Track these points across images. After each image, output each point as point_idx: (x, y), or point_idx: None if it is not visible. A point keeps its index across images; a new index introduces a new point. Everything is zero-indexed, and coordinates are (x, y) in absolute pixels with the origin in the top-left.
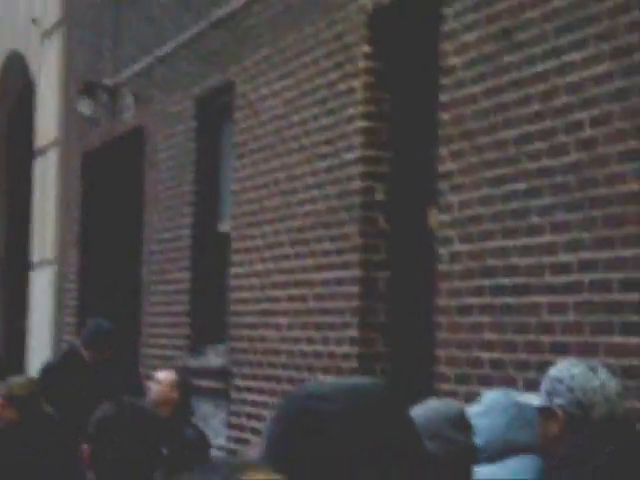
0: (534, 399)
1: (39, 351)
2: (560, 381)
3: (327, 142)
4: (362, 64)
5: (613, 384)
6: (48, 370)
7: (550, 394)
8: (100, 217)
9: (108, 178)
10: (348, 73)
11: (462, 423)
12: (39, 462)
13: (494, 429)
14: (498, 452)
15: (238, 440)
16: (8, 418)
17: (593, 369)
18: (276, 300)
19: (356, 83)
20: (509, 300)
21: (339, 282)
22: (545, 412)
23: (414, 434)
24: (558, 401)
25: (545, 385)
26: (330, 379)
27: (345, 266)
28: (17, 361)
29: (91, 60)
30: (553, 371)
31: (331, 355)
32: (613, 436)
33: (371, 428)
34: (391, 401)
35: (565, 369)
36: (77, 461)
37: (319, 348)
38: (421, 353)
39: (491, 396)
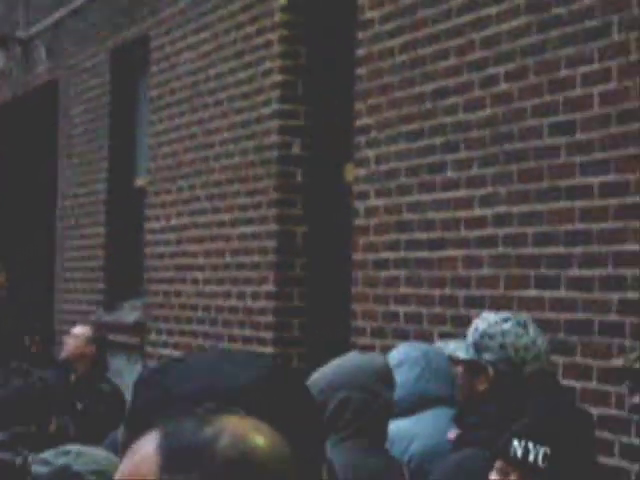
0: (455, 347)
1: None
2: (491, 337)
3: (244, 96)
4: (278, 17)
5: (542, 340)
6: None
7: (479, 349)
8: (13, 171)
9: (21, 132)
10: (265, 26)
11: (387, 377)
12: None
13: (405, 384)
14: (411, 406)
15: None
16: None
17: (523, 324)
18: (192, 255)
19: (273, 36)
20: (424, 254)
21: (256, 236)
22: (472, 366)
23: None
24: (488, 357)
25: (473, 338)
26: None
27: (262, 220)
28: None
29: (4, 12)
30: (482, 325)
31: (248, 310)
32: (540, 394)
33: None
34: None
35: (495, 324)
36: None
37: (235, 303)
38: (338, 307)
39: (399, 351)
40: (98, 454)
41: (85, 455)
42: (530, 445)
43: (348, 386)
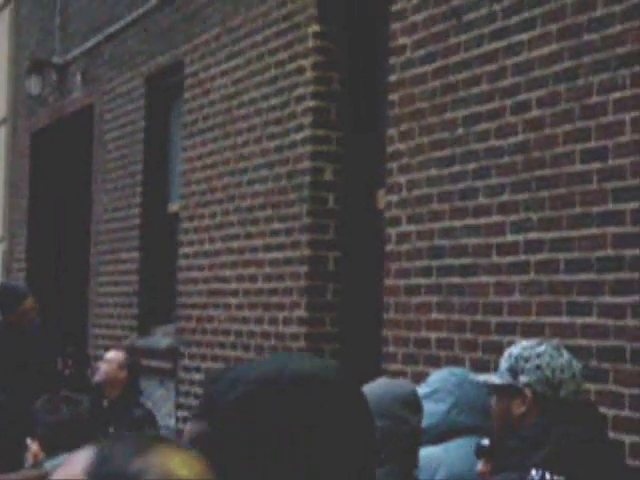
0: (489, 377)
1: None
2: (526, 359)
3: (276, 122)
4: (312, 43)
5: (576, 362)
6: None
7: (515, 372)
8: (49, 196)
9: (57, 157)
10: (298, 52)
11: (414, 403)
12: None
13: (437, 412)
14: (441, 434)
15: (186, 420)
16: None
17: (557, 347)
18: (225, 280)
19: (306, 62)
20: (456, 280)
21: (288, 262)
22: (508, 391)
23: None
24: (524, 379)
25: (508, 363)
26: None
27: (294, 246)
28: None
29: (40, 38)
30: (516, 349)
31: (279, 335)
32: (581, 416)
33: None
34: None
35: (529, 347)
36: (16, 440)
37: (267, 328)
38: (369, 333)
39: (436, 377)
40: None
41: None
42: (547, 475)
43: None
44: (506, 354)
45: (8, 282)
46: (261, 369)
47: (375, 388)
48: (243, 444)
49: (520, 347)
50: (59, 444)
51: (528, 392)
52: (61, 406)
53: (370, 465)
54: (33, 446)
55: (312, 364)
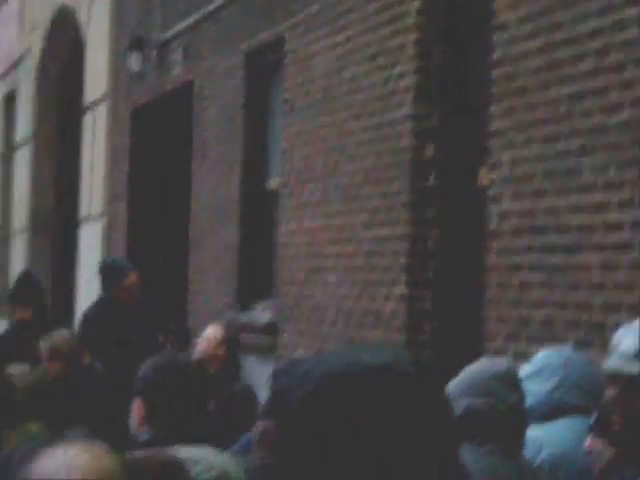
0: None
1: (87, 305)
2: None
3: (377, 98)
4: (413, 20)
5: None
6: (86, 321)
7: None
8: (148, 172)
9: (157, 134)
10: (399, 29)
11: (511, 381)
12: (86, 415)
13: (542, 392)
14: (546, 414)
15: None
16: (53, 372)
17: None
18: (324, 257)
19: (407, 39)
20: (559, 259)
21: (388, 239)
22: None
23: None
24: None
25: None
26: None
27: (394, 223)
28: (66, 315)
29: (141, 15)
30: None
31: (379, 312)
32: None
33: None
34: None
35: None
36: (122, 414)
37: (367, 305)
38: (470, 311)
39: (542, 356)
40: (210, 456)
41: (200, 462)
42: None
43: (470, 393)
44: (631, 339)
45: (110, 258)
46: (329, 364)
47: (473, 367)
48: (311, 442)
49: None
50: (163, 407)
51: None
52: (167, 369)
53: (451, 456)
54: (137, 406)
55: (383, 357)
